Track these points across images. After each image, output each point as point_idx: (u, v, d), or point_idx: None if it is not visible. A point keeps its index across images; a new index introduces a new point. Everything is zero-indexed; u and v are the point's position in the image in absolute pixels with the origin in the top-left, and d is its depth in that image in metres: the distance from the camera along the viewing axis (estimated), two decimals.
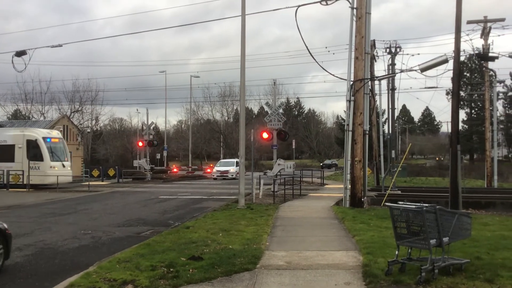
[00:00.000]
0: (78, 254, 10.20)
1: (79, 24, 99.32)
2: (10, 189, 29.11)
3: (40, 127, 40.74)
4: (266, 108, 28.06)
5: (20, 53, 23.69)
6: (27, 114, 59.77)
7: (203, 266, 8.04)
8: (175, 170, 28.37)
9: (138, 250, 9.67)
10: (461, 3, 15.43)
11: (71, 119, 54.49)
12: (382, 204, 17.90)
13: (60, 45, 24.97)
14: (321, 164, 69.37)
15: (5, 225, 8.68)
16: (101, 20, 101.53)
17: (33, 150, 30.05)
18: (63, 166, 31.41)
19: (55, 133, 33.19)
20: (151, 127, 43.16)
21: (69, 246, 11.00)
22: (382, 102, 37.75)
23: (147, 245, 10.14)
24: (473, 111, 77.05)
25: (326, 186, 31.67)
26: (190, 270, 7.80)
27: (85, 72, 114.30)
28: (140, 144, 41.37)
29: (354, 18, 17.77)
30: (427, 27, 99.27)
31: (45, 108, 59.87)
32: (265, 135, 23.51)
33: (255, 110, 80.00)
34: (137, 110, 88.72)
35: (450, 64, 16.39)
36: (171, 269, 7.88)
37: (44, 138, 30.53)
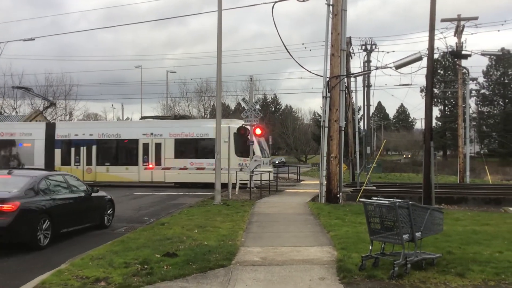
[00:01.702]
0: (50, 251, 10.04)
1: (53, 17, 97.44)
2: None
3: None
4: (243, 104, 27.92)
5: None
6: None
7: (177, 262, 7.98)
8: (150, 166, 28.05)
9: (111, 247, 9.55)
10: (435, 2, 15.63)
11: (44, 114, 53.45)
12: (357, 200, 18.08)
13: (33, 39, 24.53)
14: None
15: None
16: (76, 13, 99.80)
17: (243, 145, 25.65)
18: (268, 162, 27.96)
19: None
20: None
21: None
22: (358, 99, 38.06)
23: (121, 242, 10.03)
24: (446, 108, 78.41)
25: (303, 182, 31.85)
26: (165, 267, 7.74)
27: (58, 66, 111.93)
28: None
29: (330, 15, 17.87)
30: (402, 25, 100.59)
31: (17, 103, 58.57)
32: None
33: (232, 106, 79.80)
34: (112, 105, 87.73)
35: (424, 62, 16.60)
36: (145, 266, 7.80)
37: None
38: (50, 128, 28.75)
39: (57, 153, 28.36)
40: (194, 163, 26.71)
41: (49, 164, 27.60)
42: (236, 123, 26.68)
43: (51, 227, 10.56)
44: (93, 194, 12.85)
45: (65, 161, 28.13)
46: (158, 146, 27.35)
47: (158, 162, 27.22)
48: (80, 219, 12.08)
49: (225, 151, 24.02)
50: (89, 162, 27.96)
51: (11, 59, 69.06)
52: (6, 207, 9.76)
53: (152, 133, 27.36)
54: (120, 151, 28.43)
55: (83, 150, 28.13)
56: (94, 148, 28.03)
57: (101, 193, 13.51)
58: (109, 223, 13.61)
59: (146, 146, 27.50)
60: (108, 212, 13.61)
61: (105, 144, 28.24)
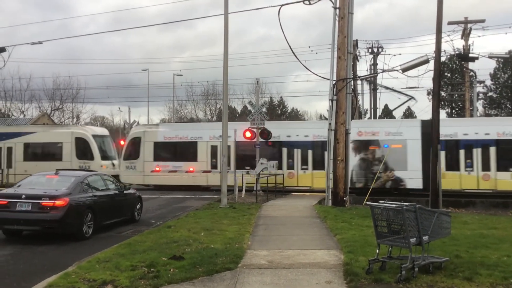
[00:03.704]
0: (57, 254, 10.08)
1: (61, 21, 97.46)
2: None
3: (20, 125, 40.05)
4: (249, 107, 27.91)
5: None
6: (6, 112, 58.73)
7: (184, 265, 7.98)
8: (157, 168, 28.10)
9: (118, 249, 9.57)
10: (442, 5, 15.62)
11: (52, 117, 53.74)
12: (363, 203, 18.03)
13: (40, 42, 24.69)
14: None
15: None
16: (84, 17, 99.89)
17: None
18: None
19: None
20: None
21: (48, 245, 10.85)
22: (365, 102, 38.08)
23: (127, 245, 10.04)
24: (453, 111, 77.97)
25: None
26: (171, 270, 7.74)
27: (66, 70, 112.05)
28: None
29: (337, 18, 17.86)
30: (410, 28, 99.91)
31: (25, 106, 58.87)
32: (248, 134, 23.47)
33: (239, 109, 79.75)
34: (119, 108, 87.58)
35: (431, 65, 16.60)
36: (152, 269, 7.81)
37: None
38: (427, 126, 23.03)
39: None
40: None
41: (427, 169, 22.90)
42: None
43: (93, 220, 12.05)
44: (125, 191, 14.33)
45: (451, 166, 23.23)
46: None
47: None
48: (115, 213, 13.57)
49: None
50: (485, 167, 22.90)
51: (19, 62, 69.05)
52: (58, 202, 11.21)
53: None
54: None
55: (477, 152, 23.19)
56: (492, 150, 22.91)
57: (131, 190, 15.11)
58: (139, 217, 15.06)
59: None
60: (137, 207, 15.05)
61: (508, 145, 22.77)
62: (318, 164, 24.35)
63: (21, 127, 34.77)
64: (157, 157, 26.91)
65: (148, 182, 27.09)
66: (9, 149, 29.40)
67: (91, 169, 27.07)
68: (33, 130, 30.90)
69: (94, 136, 28.94)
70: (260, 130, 23.57)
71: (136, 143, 27.31)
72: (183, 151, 26.83)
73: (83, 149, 28.44)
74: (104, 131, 31.85)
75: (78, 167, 27.46)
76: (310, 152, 24.90)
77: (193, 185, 26.17)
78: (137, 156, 27.08)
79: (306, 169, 24.82)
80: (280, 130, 25.38)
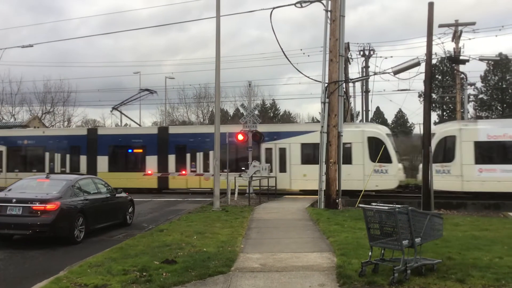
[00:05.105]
0: (49, 259, 9.99)
1: (53, 24, 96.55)
2: None
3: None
4: (241, 110, 27.82)
5: None
6: None
7: (176, 269, 7.95)
8: (149, 172, 27.97)
9: (110, 254, 9.51)
10: (433, 7, 15.70)
11: (43, 121, 53.39)
12: (356, 205, 18.05)
13: (31, 45, 24.56)
14: None
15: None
16: (76, 20, 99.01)
17: None
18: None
19: None
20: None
21: (39, 250, 10.75)
22: (356, 104, 38.05)
23: (119, 249, 9.99)
24: (445, 113, 78.35)
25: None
26: (164, 274, 7.70)
27: (57, 73, 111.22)
28: None
29: (329, 21, 17.91)
30: (401, 30, 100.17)
31: (15, 110, 58.44)
32: (240, 137, 23.48)
33: (231, 111, 79.62)
34: (111, 111, 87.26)
35: (422, 67, 16.66)
36: (144, 273, 7.76)
37: None
38: None
39: None
40: None
41: None
42: None
43: (85, 224, 12.02)
44: (117, 195, 14.31)
45: None
46: None
47: None
48: (107, 217, 13.51)
49: None
50: None
51: (9, 65, 68.55)
52: (49, 206, 11.16)
53: None
54: None
55: None
56: None
57: (123, 194, 14.98)
58: (131, 221, 15.05)
59: None
60: (129, 211, 15.04)
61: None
62: None
63: (296, 125, 32.12)
64: (479, 160, 22.20)
65: (469, 188, 22.34)
66: (282, 151, 25.74)
67: (388, 173, 23.72)
68: (311, 128, 25.83)
69: (388, 135, 25.29)
70: (252, 133, 23.57)
71: (449, 143, 22.77)
72: None
73: (377, 150, 24.03)
74: (388, 130, 27.37)
75: (372, 171, 23.72)
76: None
77: None
78: (451, 158, 22.62)
79: None
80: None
